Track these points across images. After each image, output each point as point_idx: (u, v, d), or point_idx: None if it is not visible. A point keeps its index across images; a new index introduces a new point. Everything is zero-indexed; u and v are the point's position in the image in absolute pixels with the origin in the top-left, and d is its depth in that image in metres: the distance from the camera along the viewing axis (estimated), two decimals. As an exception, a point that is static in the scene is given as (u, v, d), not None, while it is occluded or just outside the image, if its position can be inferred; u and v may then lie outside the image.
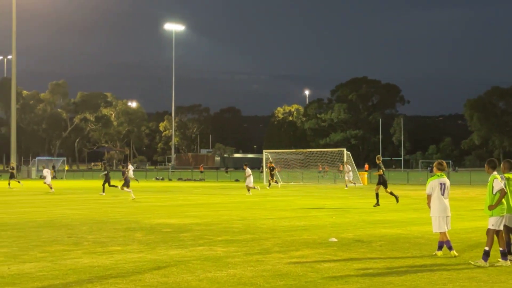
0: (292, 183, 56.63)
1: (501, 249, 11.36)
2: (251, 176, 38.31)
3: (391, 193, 26.90)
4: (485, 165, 11.91)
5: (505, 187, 11.30)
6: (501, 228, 11.41)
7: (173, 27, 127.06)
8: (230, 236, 15.44)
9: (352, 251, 12.88)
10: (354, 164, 55.92)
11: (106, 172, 38.32)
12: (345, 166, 48.40)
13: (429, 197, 12.36)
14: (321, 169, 70.75)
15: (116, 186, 35.74)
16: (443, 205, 12.22)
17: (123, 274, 10.19)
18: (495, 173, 11.59)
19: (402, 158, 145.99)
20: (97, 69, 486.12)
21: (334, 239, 14.64)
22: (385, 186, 26.56)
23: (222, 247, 13.41)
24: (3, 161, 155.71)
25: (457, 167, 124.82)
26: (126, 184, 32.22)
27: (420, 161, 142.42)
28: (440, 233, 12.33)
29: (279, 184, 46.56)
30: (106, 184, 37.04)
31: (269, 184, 45.94)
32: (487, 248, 11.18)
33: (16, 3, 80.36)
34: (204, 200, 31.82)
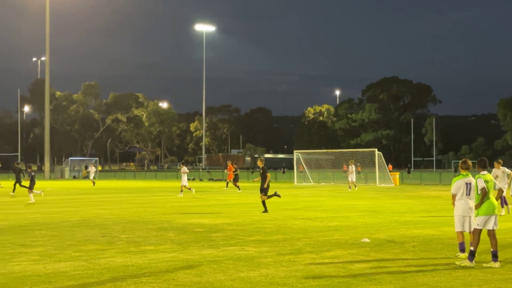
0: (323, 183, 56.49)
1: (471, 248, 11.24)
2: (185, 175, 36.20)
3: (264, 202, 23.49)
4: (476, 164, 12.03)
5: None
6: (488, 227, 11.36)
7: (204, 28, 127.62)
8: (262, 236, 15.45)
9: (385, 252, 12.81)
10: (385, 164, 55.63)
11: (18, 171, 36.02)
12: (349, 166, 45.40)
13: (453, 197, 12.22)
14: (346, 169, 70.29)
15: (26, 187, 32.74)
16: (468, 205, 12.01)
17: (157, 274, 10.27)
18: (483, 172, 11.61)
19: (434, 159, 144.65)
20: (128, 70, 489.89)
21: (367, 240, 14.57)
22: (265, 192, 23.30)
23: (254, 247, 13.43)
24: (37, 161, 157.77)
25: (489, 168, 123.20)
26: (31, 185, 30.77)
27: (452, 161, 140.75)
28: (457, 233, 12.17)
29: (240, 190, 40.74)
30: (18, 184, 35.64)
31: (227, 186, 43.58)
32: (472, 248, 11.11)
33: (49, 5, 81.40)
34: (235, 200, 31.85)
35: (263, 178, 23.47)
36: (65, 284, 9.43)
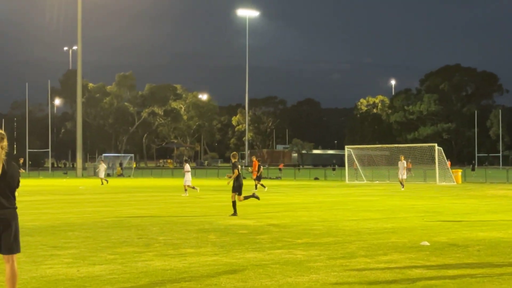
0: (377, 181, 56.16)
1: None
2: (189, 173, 36.06)
3: (234, 203, 22.60)
4: None
5: None
6: None
7: (247, 13, 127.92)
8: (311, 239, 15.44)
9: (447, 256, 12.67)
10: (446, 160, 55.05)
11: None
12: (399, 162, 44.19)
13: None
14: (410, 166, 69.62)
15: None
16: None
17: (197, 278, 10.33)
18: None
19: (500, 154, 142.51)
20: (165, 60, 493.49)
21: (426, 243, 14.44)
22: (239, 192, 22.63)
23: (303, 251, 13.42)
24: (68, 158, 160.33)
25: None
26: None
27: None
28: None
29: (265, 188, 40.94)
30: None
31: (256, 186, 40.93)
32: None
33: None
34: (282, 199, 31.91)
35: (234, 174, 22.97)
36: (100, 288, 9.56)
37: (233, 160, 23.28)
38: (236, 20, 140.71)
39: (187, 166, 36.78)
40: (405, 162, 44.65)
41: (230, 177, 23.34)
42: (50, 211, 24.39)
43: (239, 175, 22.88)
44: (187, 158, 40.45)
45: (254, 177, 42.35)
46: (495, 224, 19.04)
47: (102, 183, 52.38)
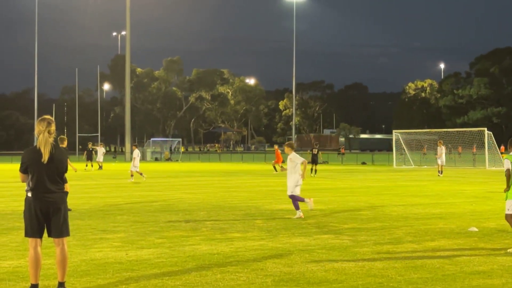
0: (426, 166, 55.62)
1: None
2: (136, 159, 34.52)
3: None
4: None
5: None
6: None
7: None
8: (358, 224, 15.41)
9: (495, 242, 12.53)
10: (496, 145, 54.24)
11: None
12: (438, 147, 42.11)
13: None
14: (460, 151, 68.96)
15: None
16: None
17: (244, 263, 10.40)
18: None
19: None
20: (212, 44, 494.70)
21: (475, 229, 14.29)
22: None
23: (349, 236, 13.40)
24: (117, 142, 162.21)
25: None
26: None
27: None
28: None
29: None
30: None
31: (315, 172, 41.58)
32: None
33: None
34: (329, 184, 31.85)
35: None
36: (148, 272, 9.68)
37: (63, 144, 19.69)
38: (283, 4, 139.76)
39: (136, 151, 35.53)
40: (443, 147, 42.86)
41: None
42: (99, 195, 24.75)
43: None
44: (136, 144, 39.62)
45: (279, 164, 43.94)
46: (546, 210, 18.71)
47: (100, 167, 51.23)
